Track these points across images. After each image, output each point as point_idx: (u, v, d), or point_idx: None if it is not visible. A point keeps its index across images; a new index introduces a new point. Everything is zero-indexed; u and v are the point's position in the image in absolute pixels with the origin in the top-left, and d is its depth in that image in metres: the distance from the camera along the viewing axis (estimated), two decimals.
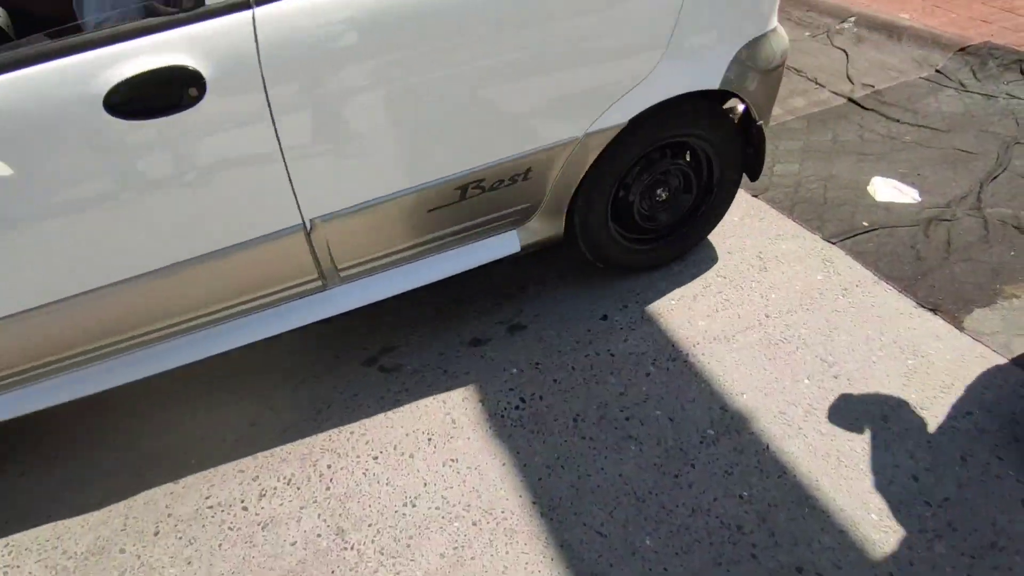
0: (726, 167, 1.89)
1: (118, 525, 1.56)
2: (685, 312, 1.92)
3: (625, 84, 1.57)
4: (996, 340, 1.71)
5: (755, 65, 1.70)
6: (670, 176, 1.87)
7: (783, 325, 1.83)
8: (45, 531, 1.57)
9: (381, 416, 1.73)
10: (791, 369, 1.71)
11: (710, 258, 2.10)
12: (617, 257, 1.95)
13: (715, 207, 1.99)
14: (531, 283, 2.09)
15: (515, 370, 1.81)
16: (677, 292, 2.00)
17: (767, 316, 1.87)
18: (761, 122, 1.81)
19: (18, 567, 1.50)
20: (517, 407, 1.71)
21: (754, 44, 1.68)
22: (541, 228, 1.78)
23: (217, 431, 1.75)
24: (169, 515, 1.58)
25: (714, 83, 1.66)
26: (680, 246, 2.05)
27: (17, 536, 1.57)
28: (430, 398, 1.76)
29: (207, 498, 1.60)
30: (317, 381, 1.86)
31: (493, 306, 2.02)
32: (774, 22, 1.73)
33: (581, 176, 1.69)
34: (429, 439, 1.66)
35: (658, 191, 1.88)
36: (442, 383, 1.80)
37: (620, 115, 1.60)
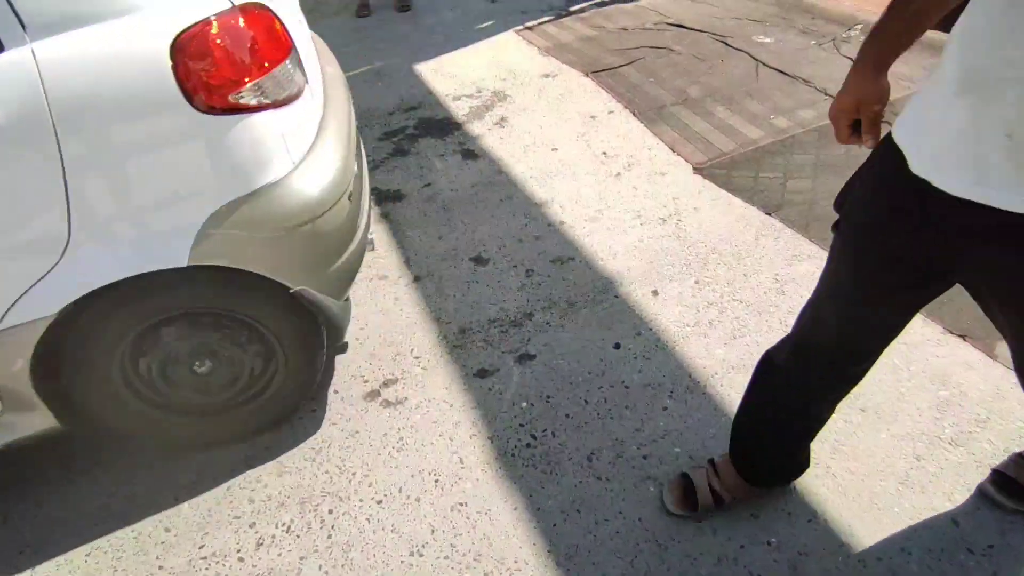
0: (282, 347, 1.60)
1: None
2: (701, 339, 1.84)
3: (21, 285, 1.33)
4: None
5: (253, 228, 1.40)
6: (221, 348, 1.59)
7: None
8: None
9: (385, 455, 1.64)
10: None
11: (725, 280, 2.02)
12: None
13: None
14: (538, 309, 2.01)
15: (525, 404, 1.72)
16: (692, 317, 1.91)
17: None
18: (297, 289, 1.47)
19: None
20: (528, 445, 1.62)
21: (239, 205, 1.37)
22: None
23: (209, 473, 1.66)
24: (160, 567, 1.48)
25: (180, 260, 1.36)
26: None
27: None
28: (436, 435, 1.67)
29: (200, 547, 1.51)
30: (315, 418, 1.77)
31: (500, 335, 1.94)
32: (277, 172, 1.40)
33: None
34: (436, 480, 1.57)
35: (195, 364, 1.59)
36: (448, 418, 1.71)
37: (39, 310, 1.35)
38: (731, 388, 1.69)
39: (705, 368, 1.75)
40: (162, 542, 1.53)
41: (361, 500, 1.55)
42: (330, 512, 1.53)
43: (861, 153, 1.05)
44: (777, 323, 1.84)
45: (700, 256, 2.12)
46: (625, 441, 1.60)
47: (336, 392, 1.83)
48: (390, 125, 3.18)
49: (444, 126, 3.11)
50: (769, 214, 2.26)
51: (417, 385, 1.82)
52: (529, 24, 4.18)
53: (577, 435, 1.63)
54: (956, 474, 1.44)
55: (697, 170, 2.55)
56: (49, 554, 1.53)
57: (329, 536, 1.49)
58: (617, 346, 1.85)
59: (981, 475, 1.43)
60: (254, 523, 1.54)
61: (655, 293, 2.00)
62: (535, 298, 2.05)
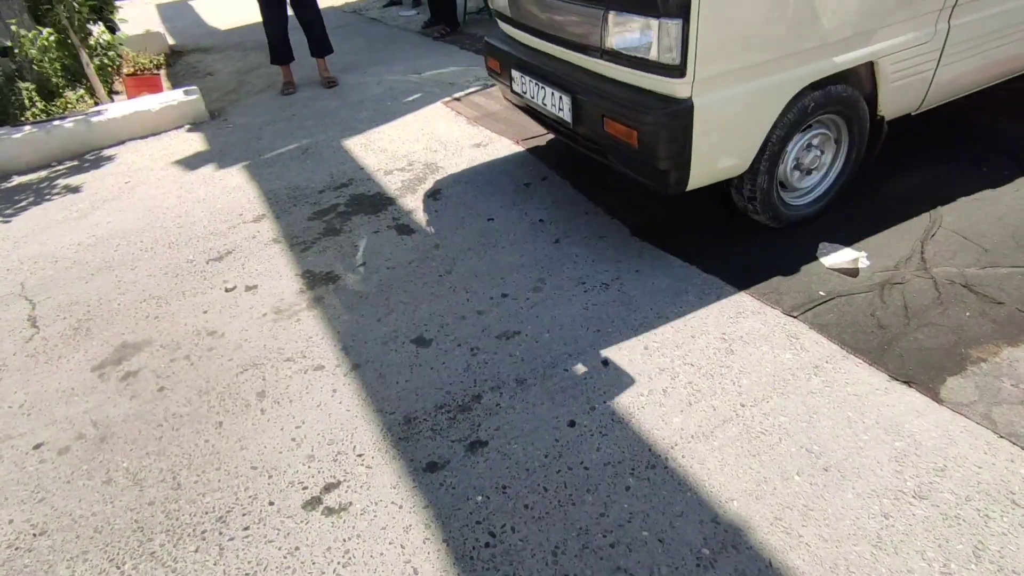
0: None
1: None
2: (657, 408, 1.78)
3: None
4: (976, 411, 1.65)
5: None
6: None
7: (761, 415, 1.72)
8: None
9: (330, 574, 1.47)
10: (778, 465, 1.58)
11: (673, 343, 1.99)
12: None
13: None
14: (487, 390, 1.91)
15: (480, 498, 1.60)
16: (645, 385, 1.86)
17: (743, 406, 1.75)
18: None
19: None
20: (487, 544, 1.49)
21: None
22: None
23: None
24: None
25: None
26: None
27: None
28: (386, 544, 1.52)
29: None
30: (247, 537, 1.58)
31: (448, 421, 1.82)
32: None
33: None
34: None
35: None
36: (398, 522, 1.56)
37: None
38: (693, 459, 1.62)
39: (664, 440, 1.69)
40: None
41: None
42: None
43: None
44: (731, 384, 1.82)
45: (647, 320, 2.10)
46: (590, 530, 1.50)
47: (272, 504, 1.65)
48: (320, 204, 3.09)
49: (377, 201, 3.04)
50: (708, 272, 2.28)
51: (362, 487, 1.66)
52: (457, 95, 4.25)
53: (538, 528, 1.52)
54: (925, 530, 1.41)
55: (635, 232, 2.57)
56: None
57: None
58: (572, 424, 1.77)
59: (949, 527, 1.40)
60: None
61: (605, 363, 1.95)
62: (482, 378, 1.95)
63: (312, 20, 4.59)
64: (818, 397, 1.75)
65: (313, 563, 1.50)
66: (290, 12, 4.49)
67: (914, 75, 2.28)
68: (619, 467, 1.63)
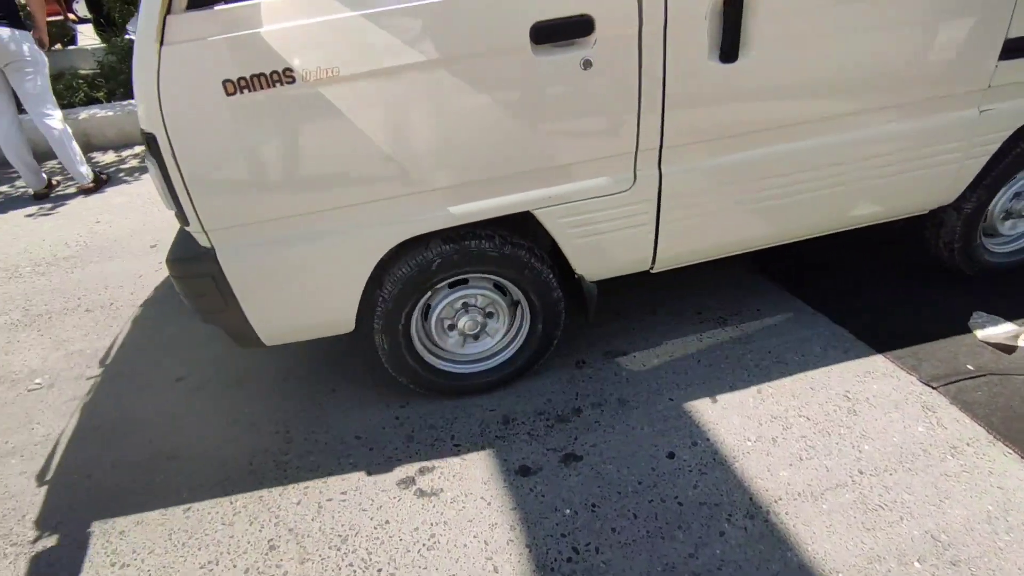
0: None
1: None
2: (763, 457, 1.69)
3: None
4: None
5: None
6: None
7: (881, 486, 1.58)
8: None
9: (415, 553, 1.53)
10: (896, 546, 1.45)
11: (790, 392, 1.88)
12: None
13: None
14: (588, 405, 1.90)
15: (568, 511, 1.60)
16: (753, 430, 1.77)
17: (861, 472, 1.62)
18: None
19: None
20: (569, 559, 1.49)
21: None
22: None
23: (228, 554, 1.57)
24: None
25: None
26: None
27: None
28: (470, 536, 1.55)
29: None
30: (344, 501, 1.67)
31: (545, 429, 1.83)
32: None
33: None
34: None
35: None
36: (484, 518, 1.59)
37: None
38: (797, 519, 1.53)
39: (767, 491, 1.60)
40: None
41: None
42: None
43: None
44: (849, 447, 1.69)
45: (763, 364, 2.00)
46: (676, 567, 1.45)
47: (369, 475, 1.74)
48: None
49: None
50: (838, 323, 2.13)
51: (454, 476, 1.71)
52: None
53: (623, 554, 1.49)
54: None
55: (761, 269, 2.45)
56: None
57: None
58: (671, 455, 1.72)
59: None
60: None
61: (714, 400, 1.88)
62: (585, 392, 1.95)
63: None
64: (953, 481, 1.58)
65: (400, 539, 1.56)
66: None
67: (618, 230, 1.76)
68: (715, 510, 1.57)
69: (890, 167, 1.88)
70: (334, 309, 1.72)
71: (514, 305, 1.92)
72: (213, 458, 1.86)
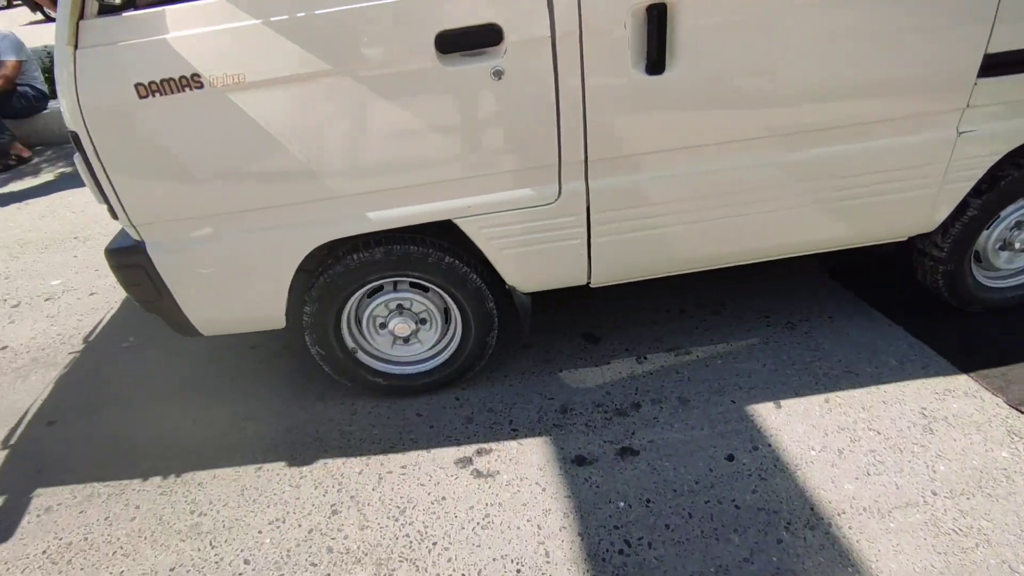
0: None
1: None
2: (827, 468, 1.64)
3: None
4: None
5: None
6: None
7: (957, 510, 1.51)
8: None
9: (468, 530, 1.57)
10: (969, 573, 1.38)
11: (860, 404, 1.82)
12: None
13: None
14: (647, 400, 1.89)
15: (622, 504, 1.60)
16: (818, 440, 1.72)
17: (934, 494, 1.55)
18: None
19: None
20: (621, 551, 1.49)
21: None
22: None
23: (297, 513, 1.66)
24: None
25: None
26: None
27: None
28: (524, 520, 1.58)
29: None
30: (403, 475, 1.73)
31: (603, 421, 1.84)
32: None
33: None
34: (518, 571, 1.47)
35: None
36: (538, 503, 1.62)
37: None
38: (861, 534, 1.48)
39: (830, 503, 1.56)
40: (240, 574, 1.53)
41: (438, 575, 1.48)
42: None
43: None
44: (923, 466, 1.62)
45: (832, 373, 1.93)
46: (730, 570, 1.43)
47: (428, 451, 1.80)
48: None
49: None
50: (916, 336, 2.03)
51: (511, 460, 1.74)
52: None
53: (676, 552, 1.48)
54: None
55: (833, 275, 2.36)
56: (137, 560, 1.57)
57: None
58: (730, 458, 1.69)
59: None
60: (328, 574, 1.50)
61: (778, 405, 1.83)
62: (645, 388, 1.94)
63: None
64: None
65: (455, 516, 1.61)
66: None
67: (547, 243, 1.71)
68: (774, 516, 1.54)
69: (851, 189, 1.72)
70: (261, 306, 1.77)
71: (447, 311, 1.92)
72: (283, 423, 1.96)
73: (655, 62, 1.46)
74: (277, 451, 1.86)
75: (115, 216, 1.60)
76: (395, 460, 1.79)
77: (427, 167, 1.56)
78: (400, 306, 1.89)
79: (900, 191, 1.75)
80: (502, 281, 1.82)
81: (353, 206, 1.60)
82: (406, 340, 1.95)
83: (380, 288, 1.86)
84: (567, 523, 1.57)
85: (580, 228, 1.70)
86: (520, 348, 2.14)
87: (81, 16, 1.36)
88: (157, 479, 1.81)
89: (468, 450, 1.79)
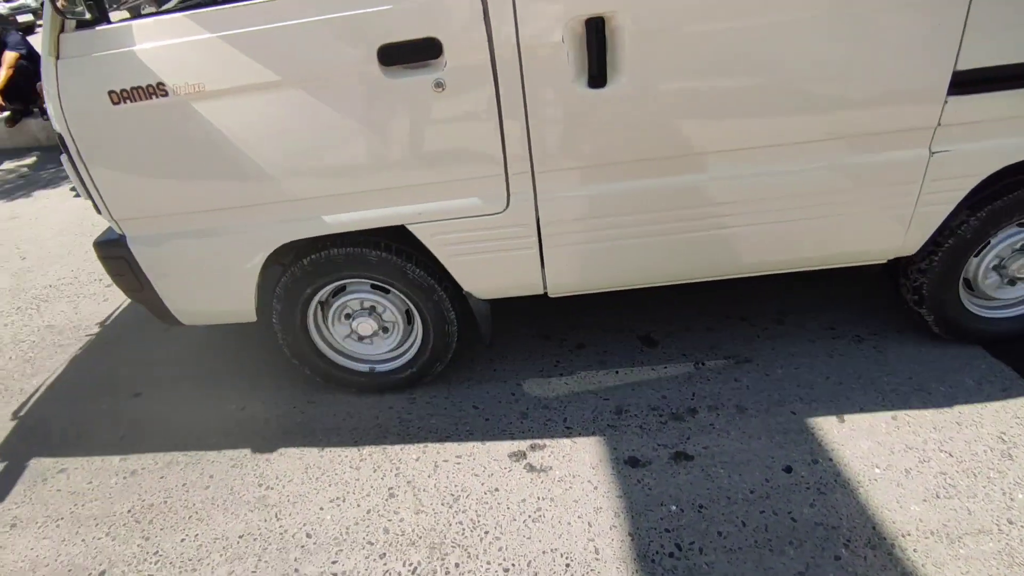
0: None
1: (249, 566, 1.58)
2: (892, 487, 1.59)
3: None
4: None
5: None
6: None
7: None
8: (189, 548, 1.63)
9: (520, 522, 1.60)
10: None
11: (931, 424, 1.74)
12: None
13: None
14: (703, 407, 1.88)
15: (674, 507, 1.60)
16: (883, 458, 1.66)
17: (1010, 523, 1.47)
18: None
19: None
20: (672, 555, 1.49)
21: None
22: None
23: (356, 493, 1.73)
24: (296, 570, 1.56)
25: None
26: None
27: None
28: (575, 516, 1.60)
29: (334, 563, 1.56)
30: (458, 464, 1.78)
31: (658, 425, 1.83)
32: None
33: None
34: (567, 565, 1.49)
35: None
36: (590, 501, 1.63)
37: None
38: (927, 558, 1.42)
39: (894, 524, 1.50)
40: (302, 546, 1.61)
41: (488, 563, 1.52)
42: (456, 566, 1.52)
43: None
44: (999, 493, 1.54)
45: (901, 389, 1.86)
46: None
47: (483, 443, 1.84)
48: None
49: None
50: (997, 358, 1.93)
51: (564, 457, 1.77)
52: None
53: (728, 559, 1.47)
54: None
55: None
56: (210, 526, 1.68)
57: None
58: (788, 469, 1.66)
59: None
60: (384, 554, 1.57)
61: (841, 420, 1.78)
62: (702, 394, 1.92)
63: None
64: None
65: (508, 508, 1.64)
66: None
67: (499, 251, 1.74)
68: (832, 532, 1.50)
69: (813, 208, 1.65)
70: (232, 300, 1.88)
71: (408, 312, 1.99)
72: (345, 408, 2.05)
73: (596, 76, 1.47)
74: (339, 434, 1.95)
75: (98, 211, 1.75)
76: (451, 449, 1.84)
77: (376, 173, 1.62)
78: (373, 308, 1.98)
79: (869, 212, 1.68)
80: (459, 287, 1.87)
81: (308, 210, 1.69)
82: (369, 338, 2.03)
83: (344, 288, 1.96)
84: (618, 522, 1.57)
85: (531, 238, 1.73)
86: (576, 347, 2.16)
87: (62, 30, 1.52)
88: (229, 452, 1.93)
89: (522, 444, 1.82)
